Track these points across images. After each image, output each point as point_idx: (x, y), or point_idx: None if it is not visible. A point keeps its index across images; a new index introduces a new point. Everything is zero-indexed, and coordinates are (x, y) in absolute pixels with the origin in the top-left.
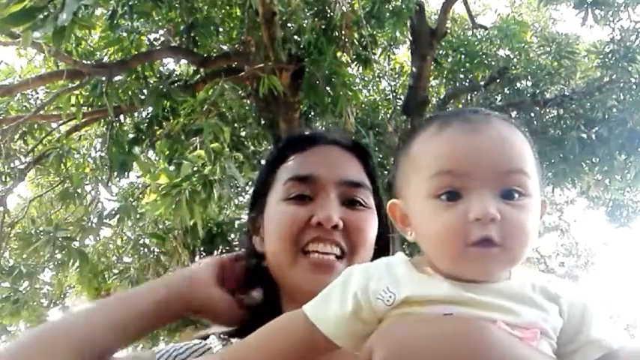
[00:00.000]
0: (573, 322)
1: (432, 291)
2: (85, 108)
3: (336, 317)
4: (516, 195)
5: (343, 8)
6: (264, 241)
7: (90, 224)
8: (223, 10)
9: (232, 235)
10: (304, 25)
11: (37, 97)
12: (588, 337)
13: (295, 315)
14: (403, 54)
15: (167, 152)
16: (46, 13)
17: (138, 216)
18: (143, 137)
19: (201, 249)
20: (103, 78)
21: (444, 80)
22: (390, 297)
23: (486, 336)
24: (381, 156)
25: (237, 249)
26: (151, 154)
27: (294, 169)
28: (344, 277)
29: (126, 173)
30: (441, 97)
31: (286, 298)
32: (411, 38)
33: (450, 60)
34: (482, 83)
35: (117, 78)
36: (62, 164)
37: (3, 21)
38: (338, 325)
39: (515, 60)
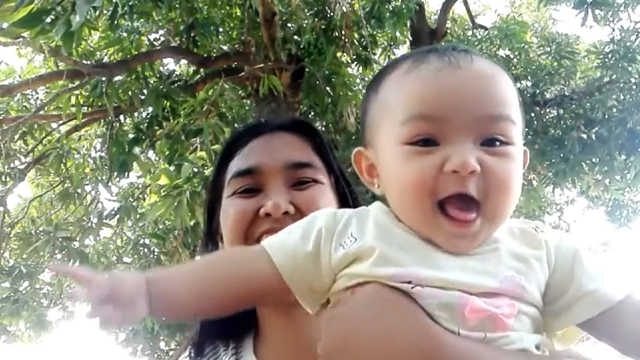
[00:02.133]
0: (563, 270)
1: (395, 245)
2: (85, 108)
3: (293, 251)
4: (498, 143)
5: (343, 8)
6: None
7: (90, 224)
8: (223, 10)
9: None
10: (304, 25)
11: (37, 97)
12: (581, 288)
13: (254, 247)
14: (403, 54)
15: (167, 152)
16: (53, 17)
17: (138, 216)
18: (143, 137)
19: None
20: (103, 78)
21: None
22: (351, 242)
23: (440, 348)
24: None
25: None
26: (151, 154)
27: (237, 165)
28: (310, 216)
29: (126, 173)
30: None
31: (260, 308)
32: (411, 38)
33: None
34: None
35: (117, 78)
36: (62, 164)
37: (13, 25)
38: (293, 260)
39: (515, 60)
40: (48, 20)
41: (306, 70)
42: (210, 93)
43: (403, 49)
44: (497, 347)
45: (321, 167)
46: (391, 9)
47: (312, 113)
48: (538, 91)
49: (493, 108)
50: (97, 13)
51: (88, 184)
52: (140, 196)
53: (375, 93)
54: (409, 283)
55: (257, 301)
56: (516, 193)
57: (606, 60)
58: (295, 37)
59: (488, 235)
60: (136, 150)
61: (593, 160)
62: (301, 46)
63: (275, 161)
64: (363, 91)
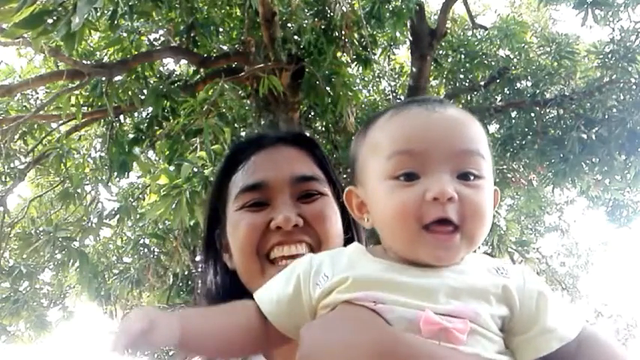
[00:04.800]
0: (527, 311)
1: (364, 274)
2: (85, 108)
3: (278, 298)
4: (472, 177)
5: (343, 8)
6: (232, 257)
7: (90, 224)
8: (223, 10)
9: None
10: (304, 25)
11: (37, 97)
12: (544, 326)
13: (248, 301)
14: (403, 54)
15: (167, 152)
16: (55, 18)
17: (138, 216)
18: (143, 137)
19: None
20: (103, 78)
21: (444, 80)
22: (325, 280)
23: (396, 349)
24: None
25: None
26: (151, 154)
27: (244, 179)
28: (290, 266)
29: (126, 173)
30: (441, 97)
31: None
32: (410, 38)
33: (449, 60)
34: (482, 83)
35: (117, 78)
36: (62, 164)
37: (15, 26)
38: (278, 306)
39: (515, 60)
40: (50, 21)
41: (306, 70)
42: (210, 93)
43: (403, 49)
44: (452, 349)
45: (324, 179)
46: (391, 9)
47: (312, 113)
48: (538, 91)
49: (465, 144)
50: (98, 13)
51: (88, 184)
52: (140, 196)
53: (363, 137)
54: (373, 302)
55: (263, 346)
56: (489, 221)
57: (606, 60)
58: (295, 37)
59: (465, 253)
60: (136, 150)
61: (593, 160)
62: (301, 46)
63: (281, 175)
64: (364, 91)
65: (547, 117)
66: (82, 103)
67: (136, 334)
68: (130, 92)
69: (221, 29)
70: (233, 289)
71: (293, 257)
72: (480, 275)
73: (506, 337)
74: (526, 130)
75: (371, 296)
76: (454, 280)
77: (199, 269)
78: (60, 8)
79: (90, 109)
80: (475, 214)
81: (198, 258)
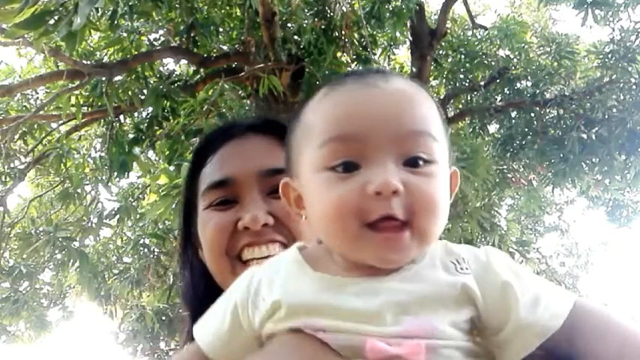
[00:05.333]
0: (493, 306)
1: (300, 297)
2: (85, 108)
3: (216, 335)
4: (421, 162)
5: (343, 8)
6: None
7: (90, 224)
8: (223, 10)
9: None
10: (304, 25)
11: (37, 97)
12: (518, 321)
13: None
14: (403, 54)
15: (167, 152)
16: (56, 18)
17: (138, 216)
18: (143, 137)
19: None
20: (103, 78)
21: (444, 80)
22: (263, 301)
23: None
24: None
25: None
26: (151, 154)
27: (210, 175)
28: (227, 292)
29: (126, 173)
30: (441, 97)
31: None
32: (410, 38)
33: (450, 60)
34: (482, 83)
35: (117, 78)
36: (62, 164)
37: (16, 26)
38: (219, 343)
39: (515, 60)
40: (51, 22)
41: (306, 70)
42: (210, 93)
43: (403, 49)
44: None
45: None
46: (391, 9)
47: None
48: (538, 91)
49: (411, 125)
50: (99, 13)
51: (88, 184)
52: (140, 196)
53: (297, 121)
54: (320, 331)
55: None
56: (444, 213)
57: (606, 60)
58: (295, 37)
59: (418, 253)
60: (136, 150)
61: (593, 160)
62: (301, 46)
63: (248, 169)
64: None
65: (547, 117)
66: (82, 103)
67: None
68: (130, 92)
69: (221, 29)
70: (209, 289)
71: (265, 259)
72: (433, 277)
73: (484, 338)
74: (526, 130)
75: (311, 325)
76: (402, 291)
77: (179, 267)
78: (61, 8)
79: (90, 109)
80: (426, 206)
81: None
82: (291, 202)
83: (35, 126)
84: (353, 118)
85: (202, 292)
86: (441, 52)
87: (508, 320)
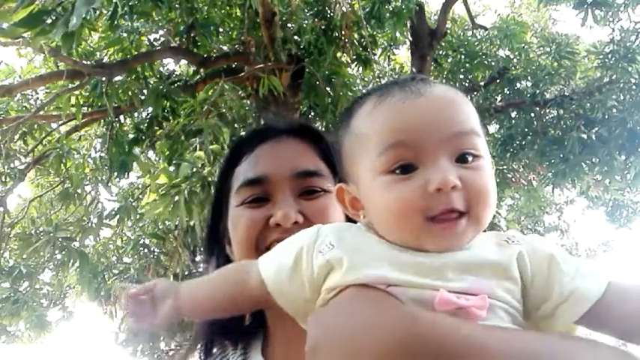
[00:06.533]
0: (541, 277)
1: (374, 254)
2: (85, 108)
3: (278, 266)
4: (470, 158)
5: (343, 8)
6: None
7: (90, 224)
8: (223, 10)
9: None
10: (304, 25)
11: (37, 97)
12: (563, 290)
13: (253, 262)
14: (403, 54)
15: (167, 152)
16: (54, 17)
17: (138, 216)
18: (143, 137)
19: (202, 249)
20: (103, 78)
21: (444, 80)
22: (329, 248)
23: (417, 328)
24: None
25: None
26: (151, 154)
27: (245, 173)
28: (298, 233)
29: (126, 173)
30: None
31: (268, 310)
32: (410, 38)
33: (450, 60)
34: (482, 83)
35: (117, 78)
36: (62, 164)
37: (13, 25)
38: (278, 275)
39: (515, 60)
40: (48, 21)
41: (306, 70)
42: (210, 93)
43: (403, 50)
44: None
45: (328, 174)
46: (391, 9)
47: (312, 113)
48: (538, 91)
49: (459, 125)
50: (97, 13)
51: (88, 185)
52: (140, 196)
53: (347, 129)
54: (385, 285)
55: (256, 307)
56: (494, 201)
57: (606, 60)
58: (295, 37)
59: (473, 237)
60: (136, 150)
61: (593, 160)
62: (301, 47)
63: (282, 170)
64: (364, 91)
65: (547, 117)
66: (82, 103)
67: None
68: (130, 92)
69: (221, 29)
70: None
71: None
72: (489, 249)
73: (529, 309)
74: (526, 130)
75: (381, 278)
76: (464, 256)
77: (202, 262)
78: (59, 8)
79: (90, 109)
80: (482, 197)
81: (198, 258)
82: (347, 205)
83: (35, 126)
84: (406, 125)
85: None
86: (441, 52)
87: (554, 290)
